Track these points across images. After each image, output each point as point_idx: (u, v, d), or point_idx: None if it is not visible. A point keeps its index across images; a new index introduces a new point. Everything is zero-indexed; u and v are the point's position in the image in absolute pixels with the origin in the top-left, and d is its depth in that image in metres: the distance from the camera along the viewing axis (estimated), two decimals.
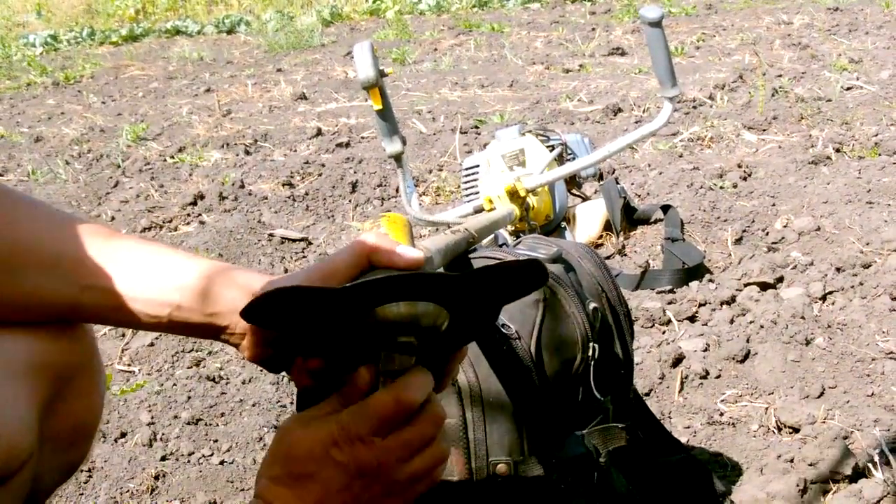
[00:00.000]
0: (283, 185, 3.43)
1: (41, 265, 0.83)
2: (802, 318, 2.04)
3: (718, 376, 1.90)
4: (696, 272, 2.38)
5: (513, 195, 2.24)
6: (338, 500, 0.76)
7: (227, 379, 2.02)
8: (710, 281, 2.35)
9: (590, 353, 1.14)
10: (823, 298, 2.20)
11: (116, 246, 0.86)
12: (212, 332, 0.86)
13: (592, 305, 1.18)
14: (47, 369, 0.83)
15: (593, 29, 6.61)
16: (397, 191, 3.29)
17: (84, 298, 0.84)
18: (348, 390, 0.77)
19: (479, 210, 2.33)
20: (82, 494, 1.65)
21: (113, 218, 3.16)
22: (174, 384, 1.98)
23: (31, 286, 0.83)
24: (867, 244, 2.46)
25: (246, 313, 0.74)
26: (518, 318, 1.12)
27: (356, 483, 0.76)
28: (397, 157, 2.27)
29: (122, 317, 0.86)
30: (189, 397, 1.91)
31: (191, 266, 0.85)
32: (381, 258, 0.80)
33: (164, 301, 0.84)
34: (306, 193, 3.33)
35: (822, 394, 1.79)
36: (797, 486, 1.49)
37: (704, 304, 2.21)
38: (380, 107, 2.17)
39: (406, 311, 0.75)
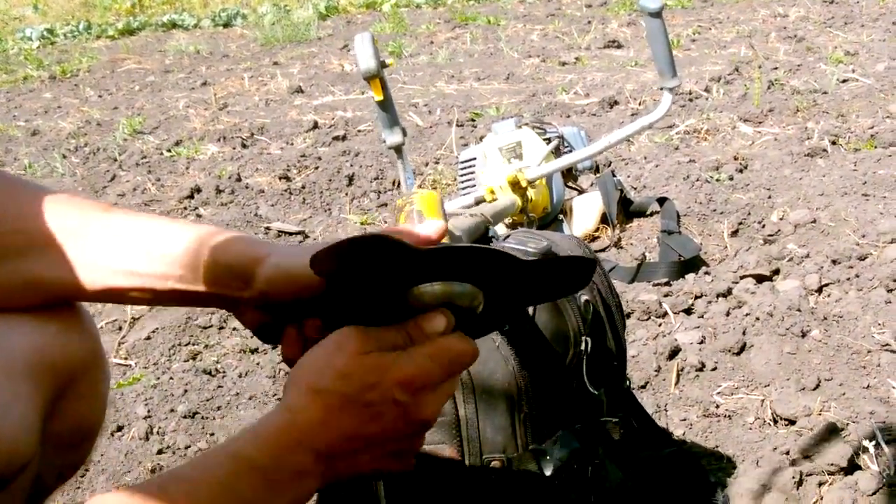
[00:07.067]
0: (280, 178, 3.43)
1: (39, 246, 0.82)
2: (798, 310, 2.04)
3: (714, 369, 1.91)
4: (693, 265, 2.39)
5: (514, 185, 2.24)
6: (390, 446, 0.74)
7: (224, 372, 2.02)
8: (707, 273, 2.35)
9: (582, 346, 1.14)
10: (819, 290, 2.20)
11: (113, 220, 0.84)
12: (212, 300, 0.85)
13: (584, 298, 1.17)
14: (52, 369, 0.82)
15: (589, 22, 6.59)
16: (394, 183, 3.29)
17: (85, 277, 0.83)
18: (416, 333, 0.74)
19: (479, 201, 2.32)
20: (79, 488, 1.66)
21: None
22: (171, 378, 1.97)
23: (29, 269, 0.81)
24: (863, 236, 2.47)
25: (318, 258, 0.72)
26: None
27: (411, 429, 0.74)
28: (397, 149, 2.25)
29: (125, 293, 0.84)
30: (186, 391, 1.91)
31: (189, 234, 0.84)
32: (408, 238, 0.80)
33: (165, 273, 0.83)
34: (303, 187, 3.33)
35: (817, 386, 1.80)
36: (793, 478, 1.49)
37: (700, 297, 2.21)
38: (380, 97, 2.15)
39: (442, 291, 0.75)
